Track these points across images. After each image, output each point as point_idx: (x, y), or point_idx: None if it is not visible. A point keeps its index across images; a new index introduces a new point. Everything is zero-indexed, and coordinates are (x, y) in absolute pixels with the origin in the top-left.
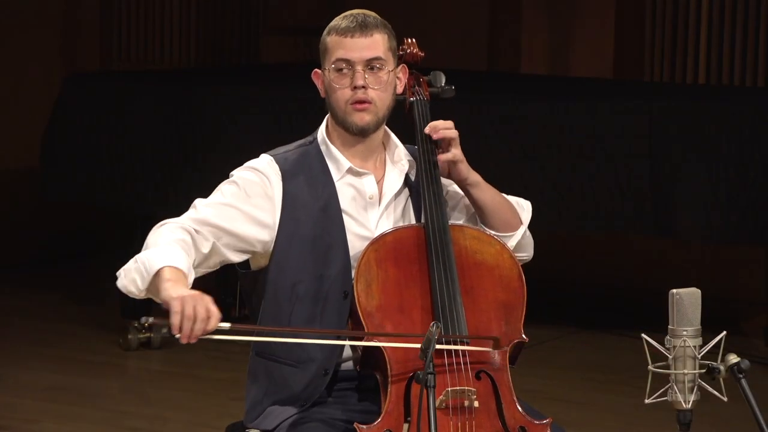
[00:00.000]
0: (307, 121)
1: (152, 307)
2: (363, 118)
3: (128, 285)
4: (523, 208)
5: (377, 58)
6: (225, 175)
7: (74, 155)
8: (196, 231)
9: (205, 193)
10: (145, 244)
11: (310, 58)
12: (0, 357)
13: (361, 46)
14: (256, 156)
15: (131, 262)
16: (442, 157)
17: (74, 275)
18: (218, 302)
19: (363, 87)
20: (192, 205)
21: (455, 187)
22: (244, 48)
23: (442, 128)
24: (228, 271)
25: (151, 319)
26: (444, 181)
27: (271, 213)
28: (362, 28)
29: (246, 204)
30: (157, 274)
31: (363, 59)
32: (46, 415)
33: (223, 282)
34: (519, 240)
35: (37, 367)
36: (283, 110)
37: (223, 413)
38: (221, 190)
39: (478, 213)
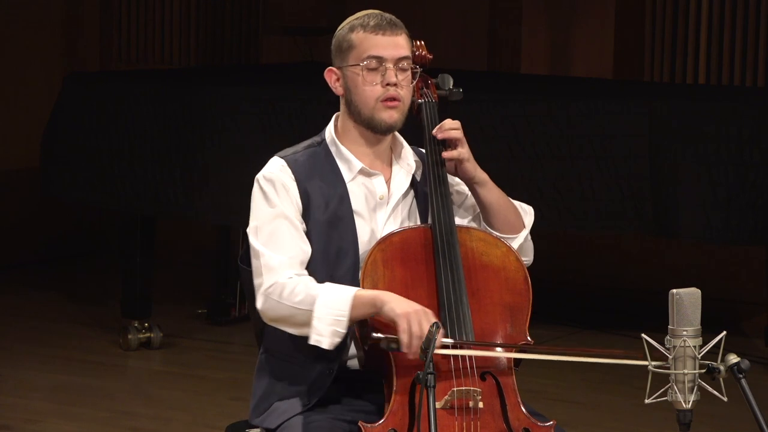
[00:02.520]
0: (307, 121)
1: (153, 307)
2: (392, 116)
3: (332, 339)
4: (527, 212)
5: (406, 57)
6: (225, 175)
7: (74, 155)
8: (299, 274)
9: (205, 193)
10: (290, 312)
11: (310, 58)
12: (0, 357)
13: (394, 44)
14: (256, 156)
15: (315, 323)
16: (446, 155)
17: (74, 275)
18: (218, 302)
19: (395, 84)
20: (256, 251)
21: (461, 187)
22: (244, 48)
23: (448, 128)
24: (228, 270)
25: (381, 335)
26: (450, 180)
27: (301, 218)
28: (392, 26)
29: (292, 221)
30: (353, 306)
31: (395, 57)
32: (46, 415)
33: (223, 281)
34: (521, 243)
35: (37, 367)
36: (283, 110)
37: (223, 413)
38: (266, 216)
39: (483, 213)
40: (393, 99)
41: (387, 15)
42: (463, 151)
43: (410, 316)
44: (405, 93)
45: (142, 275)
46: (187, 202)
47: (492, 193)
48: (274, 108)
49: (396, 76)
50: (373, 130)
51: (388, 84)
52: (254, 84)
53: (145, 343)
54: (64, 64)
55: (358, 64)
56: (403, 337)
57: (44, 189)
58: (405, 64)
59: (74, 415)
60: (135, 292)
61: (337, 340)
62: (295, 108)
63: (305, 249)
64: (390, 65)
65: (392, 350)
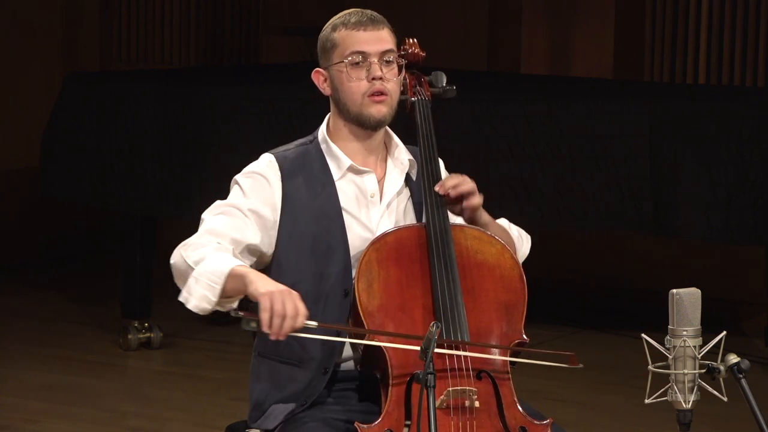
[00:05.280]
0: (307, 121)
1: (153, 306)
2: (381, 110)
3: (200, 302)
4: (523, 241)
5: (390, 50)
6: (225, 175)
7: (74, 155)
8: (218, 243)
9: (205, 193)
10: (180, 266)
11: (310, 58)
12: (0, 357)
13: (376, 39)
14: (256, 156)
15: (191, 281)
16: (467, 204)
17: (74, 275)
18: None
19: (381, 78)
20: (201, 219)
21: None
22: (244, 48)
23: (456, 183)
24: None
25: (240, 313)
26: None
27: (273, 214)
28: (373, 22)
29: (251, 211)
30: (229, 277)
31: (378, 51)
32: (46, 415)
33: None
34: None
35: (37, 367)
36: (283, 110)
37: (223, 413)
38: (226, 201)
39: None
40: (380, 93)
41: (368, 11)
42: (477, 201)
43: (273, 295)
44: (392, 87)
45: (142, 275)
46: (187, 202)
47: (493, 230)
48: (274, 108)
49: (381, 69)
50: (362, 126)
51: (373, 78)
52: (254, 84)
53: (145, 343)
54: (64, 64)
55: (342, 61)
56: (264, 316)
57: (44, 189)
58: (390, 57)
59: (74, 415)
60: (135, 292)
61: (206, 306)
62: (295, 108)
63: (249, 240)
64: (374, 59)
65: (252, 329)
